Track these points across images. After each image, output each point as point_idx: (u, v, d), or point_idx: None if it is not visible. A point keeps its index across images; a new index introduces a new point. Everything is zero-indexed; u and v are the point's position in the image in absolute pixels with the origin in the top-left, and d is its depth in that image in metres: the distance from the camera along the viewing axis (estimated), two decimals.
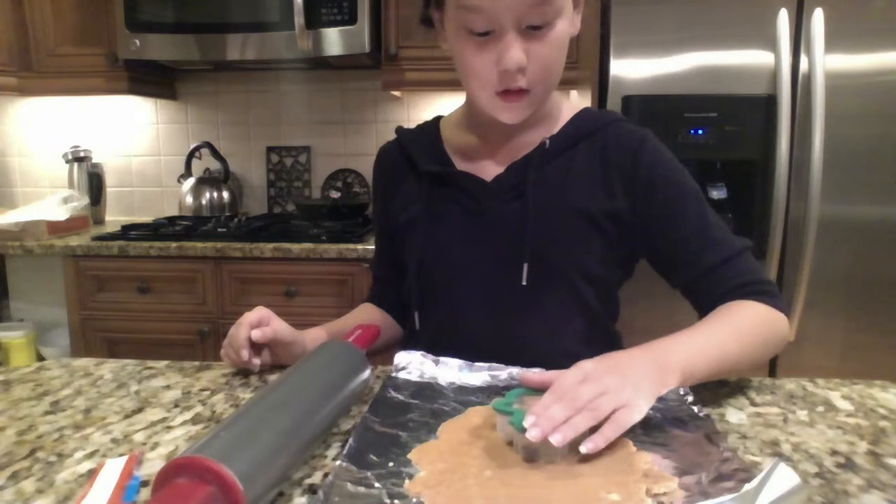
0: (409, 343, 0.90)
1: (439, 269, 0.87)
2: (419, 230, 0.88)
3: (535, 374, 0.64)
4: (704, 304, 0.79)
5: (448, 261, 0.86)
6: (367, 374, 0.69)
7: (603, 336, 0.89)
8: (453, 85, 0.87)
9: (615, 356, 0.63)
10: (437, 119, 0.96)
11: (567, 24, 0.76)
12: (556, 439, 0.52)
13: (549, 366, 0.76)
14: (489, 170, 0.87)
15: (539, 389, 0.65)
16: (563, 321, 0.85)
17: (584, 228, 0.83)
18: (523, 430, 0.54)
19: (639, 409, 0.56)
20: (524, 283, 0.82)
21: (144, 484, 0.52)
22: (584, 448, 0.53)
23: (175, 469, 0.43)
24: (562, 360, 0.69)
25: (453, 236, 0.86)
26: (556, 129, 0.86)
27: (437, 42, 0.84)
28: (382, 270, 1.02)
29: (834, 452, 0.59)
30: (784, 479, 0.44)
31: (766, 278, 0.80)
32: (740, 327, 0.73)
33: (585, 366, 0.60)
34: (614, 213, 0.83)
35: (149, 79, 2.26)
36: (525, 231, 0.82)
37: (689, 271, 0.81)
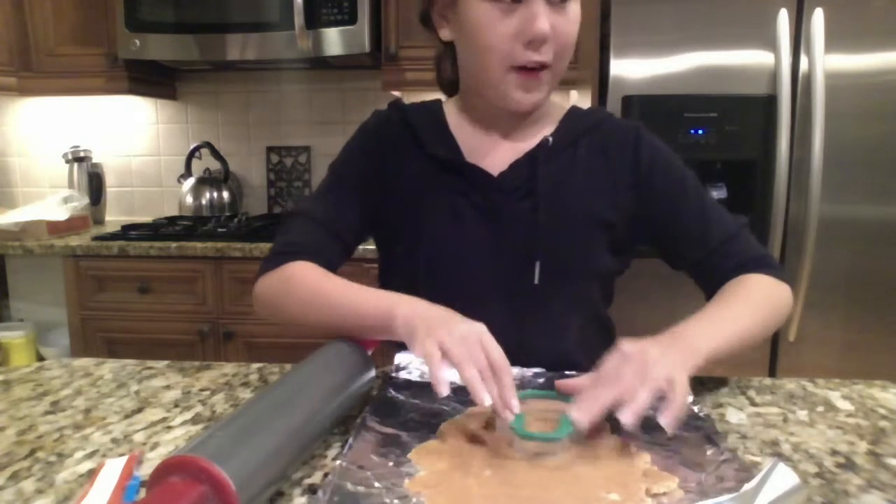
0: None
1: (452, 269, 0.85)
2: (427, 222, 0.84)
3: (570, 380, 0.65)
4: (712, 283, 0.81)
5: (461, 261, 0.84)
6: (370, 374, 0.68)
7: (599, 326, 0.90)
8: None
9: (647, 341, 0.64)
10: (439, 102, 0.92)
11: (579, 8, 0.77)
12: (626, 417, 0.53)
13: (547, 363, 0.76)
14: (491, 165, 0.85)
15: (542, 392, 0.66)
16: (567, 317, 0.85)
17: (592, 224, 0.84)
18: (523, 434, 0.55)
19: (682, 382, 0.57)
20: (536, 282, 0.81)
21: (144, 484, 0.52)
22: (663, 421, 0.54)
23: (169, 468, 0.43)
24: (561, 355, 0.70)
25: (465, 235, 0.84)
26: (552, 128, 0.86)
27: (438, 35, 0.83)
28: (335, 221, 0.86)
29: (834, 452, 0.59)
30: (783, 479, 0.44)
31: (766, 252, 0.84)
32: (752, 303, 0.75)
33: (624, 348, 0.61)
34: (620, 206, 0.84)
35: (149, 79, 2.26)
36: (537, 230, 0.81)
37: (695, 253, 0.84)
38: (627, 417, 0.53)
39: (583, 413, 0.54)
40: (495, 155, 0.86)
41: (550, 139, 0.84)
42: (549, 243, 0.81)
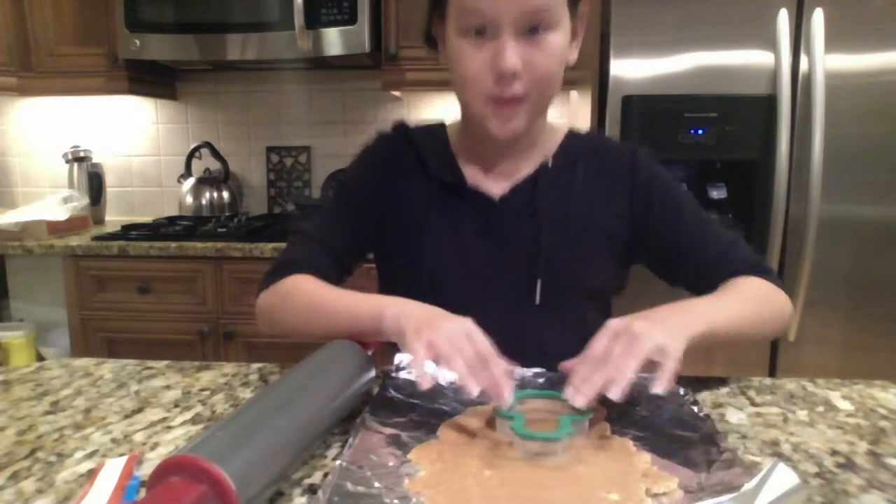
0: None
1: (454, 286, 0.85)
2: (429, 242, 0.86)
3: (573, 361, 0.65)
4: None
5: (463, 278, 0.85)
6: (370, 374, 0.68)
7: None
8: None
9: (642, 312, 0.65)
10: (442, 125, 0.94)
11: (563, 39, 0.76)
12: (616, 394, 0.55)
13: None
14: (492, 188, 0.86)
15: (542, 392, 0.67)
16: (565, 334, 0.85)
17: (593, 243, 0.85)
18: (523, 434, 0.55)
19: (675, 349, 0.59)
20: (537, 301, 0.82)
21: (144, 484, 0.52)
22: (657, 389, 0.57)
23: (169, 468, 0.43)
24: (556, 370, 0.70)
25: (467, 255, 0.85)
26: (550, 151, 0.87)
27: (439, 59, 0.84)
28: (334, 240, 0.89)
29: (834, 452, 0.59)
30: (783, 479, 0.44)
31: (763, 260, 0.85)
32: (747, 296, 0.77)
33: (612, 324, 0.62)
34: (619, 223, 0.86)
35: (149, 79, 2.26)
36: (539, 249, 0.82)
37: (694, 267, 0.85)
38: (615, 395, 0.56)
39: (581, 397, 0.56)
40: (496, 178, 0.87)
41: (550, 162, 0.85)
42: (550, 263, 0.82)
